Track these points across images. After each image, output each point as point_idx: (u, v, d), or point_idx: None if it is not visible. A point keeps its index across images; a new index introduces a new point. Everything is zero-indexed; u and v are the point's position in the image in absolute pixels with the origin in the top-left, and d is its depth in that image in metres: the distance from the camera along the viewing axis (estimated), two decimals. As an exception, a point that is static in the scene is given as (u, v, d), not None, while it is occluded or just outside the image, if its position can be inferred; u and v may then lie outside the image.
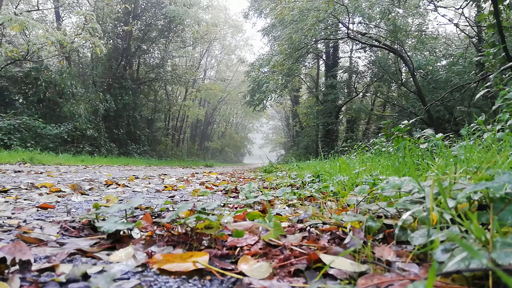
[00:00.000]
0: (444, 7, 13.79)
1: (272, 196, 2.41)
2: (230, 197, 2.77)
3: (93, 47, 14.87)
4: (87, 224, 1.32)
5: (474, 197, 0.98)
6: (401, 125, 3.56)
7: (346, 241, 1.00)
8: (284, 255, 0.92)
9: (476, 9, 11.83)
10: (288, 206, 2.02)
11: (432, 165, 1.92)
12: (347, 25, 13.42)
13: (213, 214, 1.15)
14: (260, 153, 40.26)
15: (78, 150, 15.63)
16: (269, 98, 20.40)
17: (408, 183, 1.33)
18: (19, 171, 5.04)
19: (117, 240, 1.11)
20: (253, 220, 1.32)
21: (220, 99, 41.07)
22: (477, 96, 4.22)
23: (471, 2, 9.93)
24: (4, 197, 2.20)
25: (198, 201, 2.50)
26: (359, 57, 21.95)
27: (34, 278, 0.78)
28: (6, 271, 0.78)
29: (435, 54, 14.78)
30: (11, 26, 11.78)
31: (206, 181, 4.64)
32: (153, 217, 1.56)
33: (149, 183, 3.98)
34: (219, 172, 9.40)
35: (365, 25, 15.84)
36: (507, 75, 4.60)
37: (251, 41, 71.19)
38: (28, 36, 15.90)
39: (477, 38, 12.31)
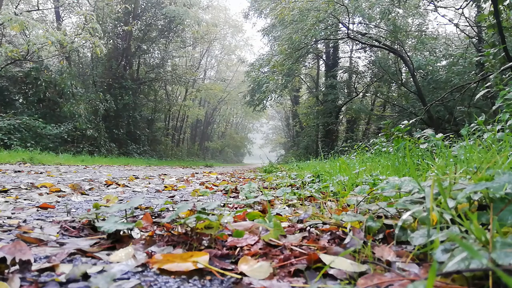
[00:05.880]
0: (444, 7, 13.82)
1: (272, 196, 2.41)
2: (230, 197, 2.77)
3: (93, 47, 14.86)
4: (87, 224, 1.32)
5: (474, 197, 0.98)
6: (401, 125, 3.56)
7: (346, 241, 1.00)
8: (284, 255, 0.92)
9: (476, 9, 11.85)
10: (288, 206, 2.02)
11: (432, 165, 1.92)
12: (347, 25, 13.42)
13: (213, 214, 1.15)
14: (260, 153, 40.28)
15: (78, 150, 15.62)
16: (269, 98, 20.41)
17: (408, 183, 1.33)
18: (19, 171, 5.04)
19: (117, 240, 1.11)
20: (253, 220, 1.32)
21: (220, 99, 41.06)
22: (477, 96, 4.22)
23: (471, 2, 9.94)
24: (4, 197, 2.20)
25: (198, 201, 2.50)
26: (359, 57, 22.00)
27: (34, 278, 0.78)
28: (6, 271, 0.78)
29: (435, 54, 14.78)
30: (11, 26, 11.78)
31: (206, 181, 4.64)
32: (153, 217, 1.56)
33: (149, 183, 3.98)
34: (219, 172, 9.40)
35: (365, 25, 15.84)
36: (507, 75, 4.60)
37: (251, 41, 71.29)
38: (28, 36, 15.89)
39: (477, 38, 12.31)
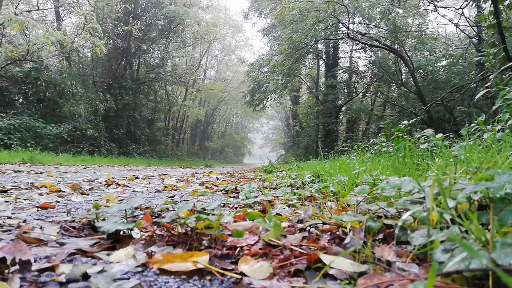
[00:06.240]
0: (444, 7, 13.82)
1: (272, 196, 2.41)
2: (230, 197, 2.77)
3: (93, 47, 14.86)
4: (87, 224, 1.32)
5: (474, 197, 0.98)
6: (401, 125, 3.56)
7: (346, 241, 1.00)
8: (284, 255, 0.92)
9: (476, 9, 11.85)
10: (288, 206, 2.02)
11: (432, 165, 1.92)
12: (347, 25, 13.42)
13: (213, 214, 1.15)
14: (260, 153, 40.30)
15: (78, 150, 15.62)
16: (269, 98, 20.42)
17: (408, 183, 1.33)
18: (19, 171, 5.03)
19: (117, 240, 1.11)
20: (253, 220, 1.32)
21: (220, 99, 41.06)
22: (477, 96, 4.22)
23: (471, 2, 9.94)
24: (4, 197, 2.20)
25: (198, 201, 2.49)
26: (359, 57, 22.01)
27: (34, 278, 0.78)
28: (6, 271, 0.78)
29: (435, 54, 14.78)
30: (11, 26, 11.77)
31: (206, 181, 4.64)
32: (153, 217, 1.56)
33: (149, 183, 3.98)
34: (219, 172, 9.40)
35: (365, 25, 15.84)
36: (507, 75, 4.60)
37: (251, 41, 71.30)
38: (28, 36, 15.89)
39: (477, 38, 12.31)
